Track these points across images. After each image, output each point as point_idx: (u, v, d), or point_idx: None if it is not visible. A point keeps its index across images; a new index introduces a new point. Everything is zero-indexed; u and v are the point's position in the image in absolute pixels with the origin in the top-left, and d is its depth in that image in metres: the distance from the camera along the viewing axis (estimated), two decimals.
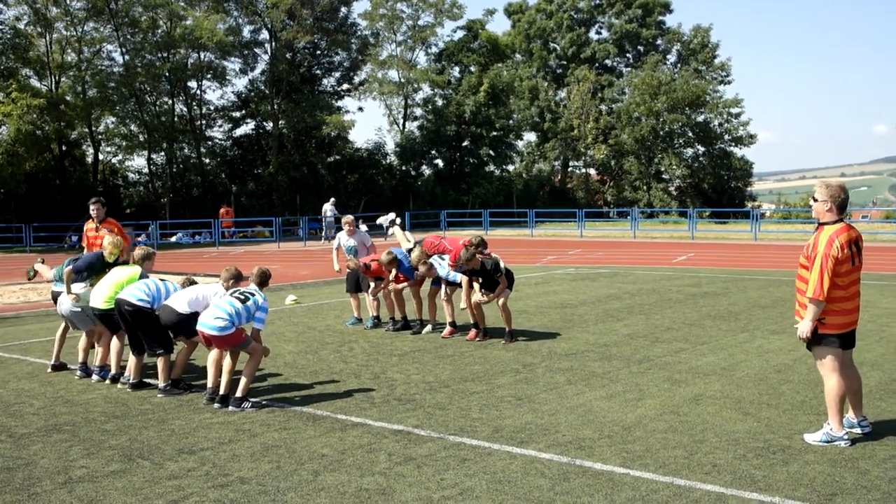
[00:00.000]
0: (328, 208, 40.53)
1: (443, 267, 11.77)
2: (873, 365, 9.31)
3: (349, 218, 13.68)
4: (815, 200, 6.57)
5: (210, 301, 8.37)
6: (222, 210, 44.20)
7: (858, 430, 6.68)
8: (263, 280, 8.44)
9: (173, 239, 42.20)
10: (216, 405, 8.03)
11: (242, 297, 8.15)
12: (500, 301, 11.22)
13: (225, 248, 37.29)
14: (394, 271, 12.34)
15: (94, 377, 9.37)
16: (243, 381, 8.00)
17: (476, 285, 11.44)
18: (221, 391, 8.08)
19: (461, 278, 11.51)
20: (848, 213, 6.74)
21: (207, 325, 7.99)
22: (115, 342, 9.26)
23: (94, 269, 9.42)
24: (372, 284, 12.87)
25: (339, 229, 14.29)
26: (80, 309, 9.25)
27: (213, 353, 8.23)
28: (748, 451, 6.38)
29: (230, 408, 7.92)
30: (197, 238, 42.91)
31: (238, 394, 7.98)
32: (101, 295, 9.02)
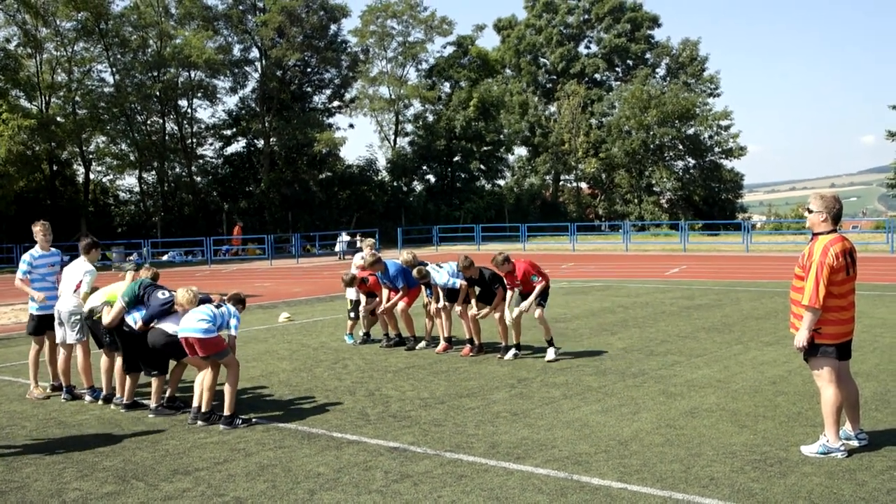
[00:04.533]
0: (343, 235, 42.80)
1: (441, 274, 11.67)
2: (868, 375, 9.32)
3: (372, 241, 13.64)
4: (810, 212, 6.59)
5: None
6: (236, 228, 45.22)
7: (855, 443, 6.66)
8: (238, 302, 8.51)
9: (165, 258, 42.11)
10: (199, 423, 8.00)
11: (215, 304, 8.29)
12: (497, 315, 11.22)
13: (217, 267, 37.21)
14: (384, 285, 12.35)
15: (87, 397, 9.32)
16: (227, 398, 7.98)
17: (473, 300, 11.43)
18: (203, 408, 8.06)
19: (460, 283, 11.45)
20: (839, 224, 6.76)
21: (191, 328, 7.97)
22: (104, 361, 9.19)
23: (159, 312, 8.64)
24: (364, 299, 12.88)
25: (354, 250, 14.32)
26: (79, 315, 9.17)
27: (201, 374, 8.18)
28: (745, 463, 6.36)
29: (221, 426, 7.88)
30: (189, 257, 42.83)
31: (226, 412, 7.95)
32: (98, 300, 9.03)
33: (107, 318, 8.75)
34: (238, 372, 8.22)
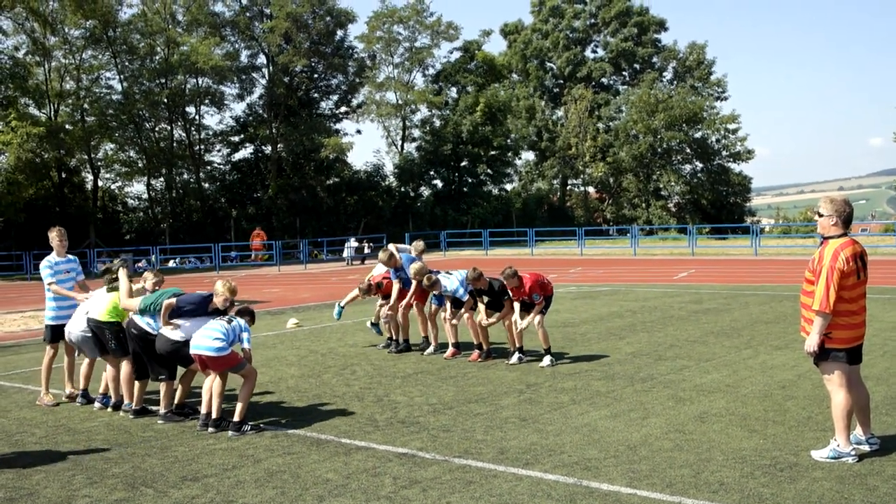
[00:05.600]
0: (351, 241, 43.10)
1: (451, 280, 11.68)
2: (878, 379, 9.27)
3: (422, 245, 13.66)
4: (821, 215, 6.56)
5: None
6: (255, 232, 45.10)
7: (866, 447, 6.63)
8: (246, 314, 8.54)
9: (170, 264, 42.25)
10: (210, 429, 8.01)
11: (226, 319, 8.25)
12: (506, 322, 11.24)
13: (226, 273, 37.26)
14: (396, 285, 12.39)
15: (96, 404, 9.33)
16: (240, 405, 7.98)
17: (481, 305, 11.45)
18: (214, 415, 8.07)
19: (468, 297, 11.49)
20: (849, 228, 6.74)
21: (204, 346, 7.97)
22: (110, 369, 9.20)
23: (197, 312, 8.49)
24: (379, 302, 12.93)
25: (361, 256, 14.32)
26: (90, 335, 9.16)
27: (209, 380, 8.19)
28: (755, 468, 6.33)
29: (230, 433, 7.88)
30: (196, 263, 43.00)
31: (236, 418, 7.96)
32: (101, 307, 9.02)
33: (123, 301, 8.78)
34: (254, 382, 8.24)
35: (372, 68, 58.41)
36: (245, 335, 8.21)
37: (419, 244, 13.34)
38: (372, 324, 13.34)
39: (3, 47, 45.14)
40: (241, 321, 8.30)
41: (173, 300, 8.41)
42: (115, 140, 48.71)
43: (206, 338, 7.99)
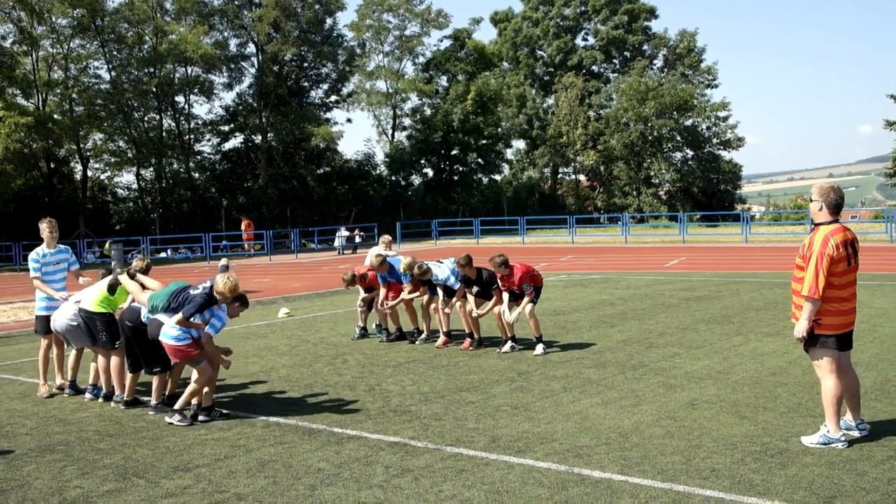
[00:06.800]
0: (342, 230, 42.95)
1: (442, 269, 11.66)
2: (867, 365, 9.32)
3: (389, 238, 14.07)
4: (811, 201, 6.61)
5: None
6: (244, 223, 44.84)
7: (856, 433, 6.66)
8: (237, 300, 8.38)
9: (162, 255, 42.11)
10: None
11: None
12: (497, 310, 11.23)
13: (216, 263, 37.14)
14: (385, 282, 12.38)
15: (87, 395, 9.30)
16: (185, 394, 8.04)
17: (471, 296, 11.44)
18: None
19: (459, 285, 11.47)
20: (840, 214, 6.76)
21: (165, 334, 8.01)
22: (101, 360, 9.17)
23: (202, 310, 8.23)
24: (362, 293, 12.93)
25: (353, 245, 14.49)
26: (76, 324, 9.12)
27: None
28: (746, 454, 6.36)
29: (150, 412, 8.34)
30: (187, 254, 42.88)
31: (177, 406, 8.03)
32: (92, 297, 8.98)
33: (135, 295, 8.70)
34: (205, 381, 8.06)
35: (362, 57, 58.17)
36: (214, 321, 8.09)
37: (385, 237, 13.87)
38: (376, 325, 13.13)
39: None
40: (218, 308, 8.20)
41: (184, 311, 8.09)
42: (103, 130, 48.36)
43: (169, 326, 7.99)
